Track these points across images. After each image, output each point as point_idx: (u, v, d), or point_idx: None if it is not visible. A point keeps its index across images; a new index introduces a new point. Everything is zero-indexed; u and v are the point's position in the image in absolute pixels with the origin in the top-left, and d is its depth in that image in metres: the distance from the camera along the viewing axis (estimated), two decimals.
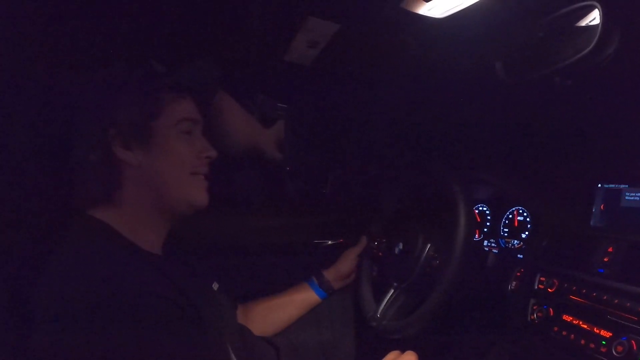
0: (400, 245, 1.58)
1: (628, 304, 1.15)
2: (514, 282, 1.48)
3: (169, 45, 1.55)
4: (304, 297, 1.72)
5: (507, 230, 1.68)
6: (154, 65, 1.27)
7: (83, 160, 1.15)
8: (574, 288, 1.29)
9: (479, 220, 1.80)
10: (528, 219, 1.62)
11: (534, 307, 1.38)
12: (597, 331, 1.20)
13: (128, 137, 1.15)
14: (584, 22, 1.15)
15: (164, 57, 1.44)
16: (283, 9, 1.37)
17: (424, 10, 1.19)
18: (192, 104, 1.26)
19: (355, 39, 1.46)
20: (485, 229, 1.78)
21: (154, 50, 1.54)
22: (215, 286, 1.39)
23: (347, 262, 1.77)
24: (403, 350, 1.31)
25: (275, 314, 1.67)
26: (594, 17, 1.11)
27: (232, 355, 1.22)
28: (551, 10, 1.17)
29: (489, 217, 1.77)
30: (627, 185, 1.36)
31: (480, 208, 1.81)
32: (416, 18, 1.22)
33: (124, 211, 1.18)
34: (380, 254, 1.69)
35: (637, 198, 1.34)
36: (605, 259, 1.28)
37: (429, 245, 1.50)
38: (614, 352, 1.13)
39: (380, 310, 1.57)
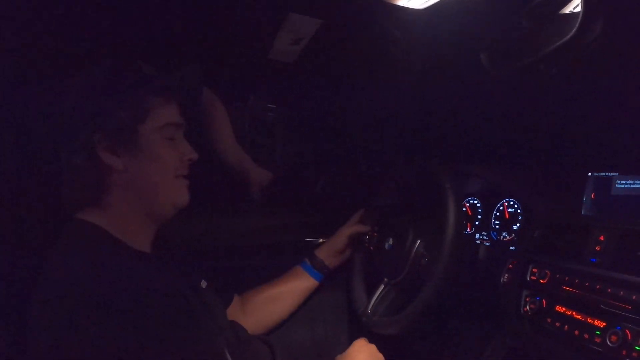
0: (390, 241, 1.57)
1: (621, 293, 1.14)
2: (506, 275, 1.46)
3: (154, 48, 1.54)
4: (298, 284, 1.72)
5: (498, 222, 1.67)
6: (143, 68, 1.26)
7: (68, 164, 1.15)
8: (567, 278, 1.28)
9: (470, 213, 1.79)
10: (519, 211, 1.60)
11: (527, 299, 1.37)
12: (591, 321, 1.19)
13: (114, 142, 1.16)
14: (566, 9, 1.14)
15: (149, 59, 1.43)
16: (264, 7, 1.36)
17: (403, 1, 1.18)
18: (176, 109, 1.27)
19: (338, 33, 1.46)
20: (477, 222, 1.76)
21: (139, 52, 1.53)
22: (203, 284, 1.39)
23: (340, 239, 1.75)
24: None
25: (272, 305, 1.67)
26: (576, 4, 1.10)
27: (226, 352, 1.23)
28: None
29: (480, 210, 1.76)
30: (617, 173, 1.35)
31: (471, 201, 1.79)
32: (396, 9, 1.21)
33: (112, 213, 1.19)
34: (371, 247, 1.68)
35: (628, 186, 1.33)
36: (597, 248, 1.27)
37: (419, 242, 1.49)
38: (608, 342, 1.12)
39: (371, 306, 1.56)
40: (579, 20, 1.05)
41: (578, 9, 1.08)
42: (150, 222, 1.27)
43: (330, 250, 1.74)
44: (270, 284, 1.70)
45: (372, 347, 1.38)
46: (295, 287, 1.70)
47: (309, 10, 1.33)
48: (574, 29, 1.06)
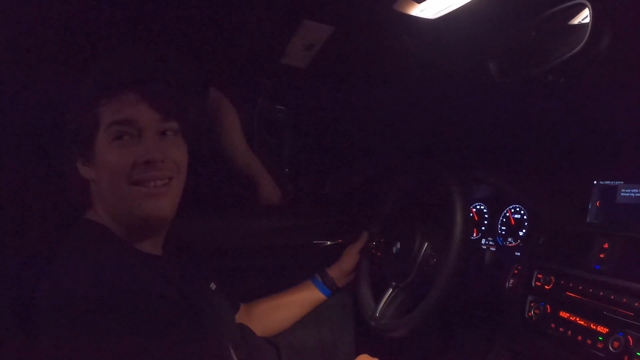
0: (398, 245, 1.59)
1: (624, 300, 1.16)
2: (512, 280, 1.48)
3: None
4: (307, 296, 1.73)
5: (504, 228, 1.69)
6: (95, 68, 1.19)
7: (60, 172, 1.18)
8: (571, 285, 1.30)
9: (476, 218, 1.80)
10: (525, 217, 1.62)
11: (531, 304, 1.39)
12: (594, 327, 1.20)
13: (84, 153, 1.14)
14: (575, 21, 1.16)
15: None
16: (278, 13, 1.38)
17: (416, 11, 1.20)
18: (126, 104, 1.12)
19: (350, 40, 1.47)
20: (483, 228, 1.78)
21: None
22: (212, 286, 1.40)
23: (349, 259, 1.77)
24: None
25: (278, 313, 1.68)
26: (585, 16, 1.12)
27: (233, 354, 1.23)
28: (543, 9, 1.17)
29: (486, 216, 1.78)
30: (622, 182, 1.37)
31: (478, 206, 1.81)
32: (409, 19, 1.23)
33: (110, 216, 1.18)
34: (378, 253, 1.70)
35: (633, 194, 1.34)
36: (601, 255, 1.29)
37: (426, 244, 1.51)
38: (610, 348, 1.14)
39: (379, 310, 1.58)
40: (588, 32, 1.07)
41: (587, 21, 1.09)
42: (139, 228, 1.18)
43: (341, 271, 1.76)
44: (278, 293, 1.71)
45: None
46: (303, 297, 1.72)
47: (322, 18, 1.35)
48: (583, 41, 1.08)
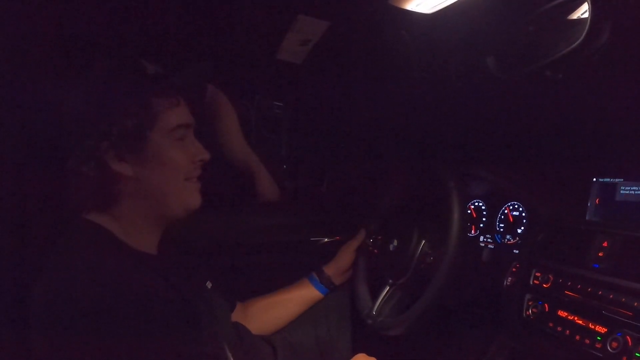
0: (395, 242, 1.58)
1: (623, 299, 1.14)
2: (510, 278, 1.47)
3: (161, 48, 1.55)
4: (304, 294, 1.72)
5: (502, 225, 1.68)
6: (147, 67, 1.24)
7: (76, 171, 1.13)
8: (569, 283, 1.29)
9: (474, 216, 1.79)
10: (524, 214, 1.61)
11: (529, 303, 1.37)
12: (592, 327, 1.19)
13: (122, 149, 1.13)
14: (574, 15, 1.14)
15: (158, 58, 1.44)
16: (273, 9, 1.37)
17: (412, 5, 1.19)
18: (185, 109, 1.23)
19: (345, 35, 1.46)
20: (481, 225, 1.77)
21: (147, 51, 1.54)
22: (208, 285, 1.39)
23: (346, 256, 1.76)
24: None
25: (275, 311, 1.67)
26: (584, 10, 1.10)
27: (229, 354, 1.23)
28: (541, 3, 1.16)
29: (484, 213, 1.77)
30: (622, 179, 1.35)
31: (476, 203, 1.80)
32: (405, 14, 1.22)
33: (119, 216, 1.18)
34: (375, 251, 1.69)
35: (633, 192, 1.33)
36: (600, 254, 1.27)
37: (423, 242, 1.50)
38: (609, 348, 1.12)
39: (376, 307, 1.57)
40: (587, 27, 1.06)
41: (585, 15, 1.08)
42: (158, 224, 1.25)
43: (337, 269, 1.75)
44: (274, 291, 1.70)
45: None
46: (299, 295, 1.71)
47: (317, 13, 1.34)
48: (582, 36, 1.07)
